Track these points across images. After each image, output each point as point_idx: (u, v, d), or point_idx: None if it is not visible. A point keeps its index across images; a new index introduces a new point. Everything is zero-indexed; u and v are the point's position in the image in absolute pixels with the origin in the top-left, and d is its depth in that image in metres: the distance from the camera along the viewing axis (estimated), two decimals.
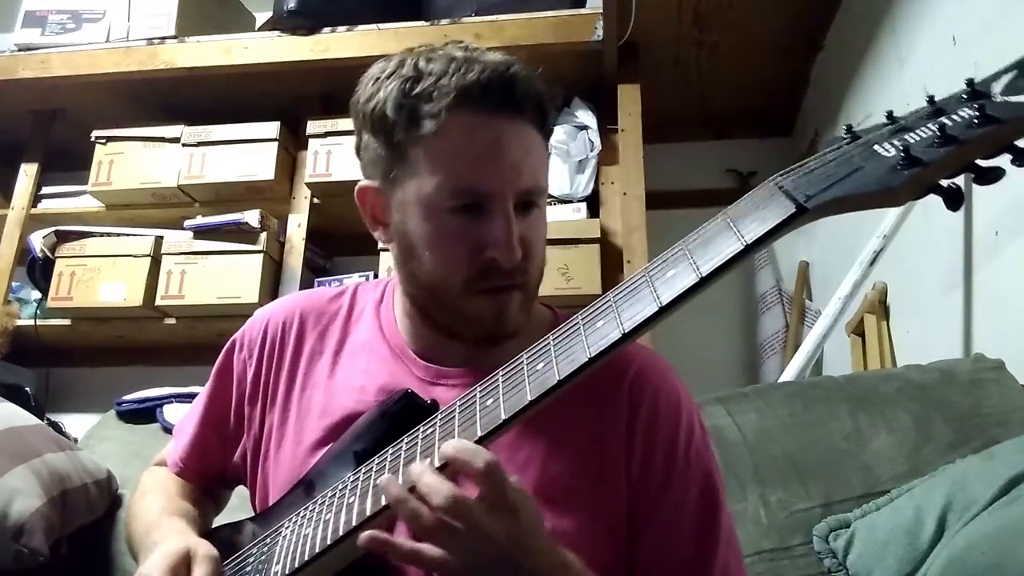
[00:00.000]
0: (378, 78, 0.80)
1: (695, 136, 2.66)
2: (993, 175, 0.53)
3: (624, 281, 0.64)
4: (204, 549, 0.77)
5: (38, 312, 2.29)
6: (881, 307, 1.78)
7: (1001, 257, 1.32)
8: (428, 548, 0.64)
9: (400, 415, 0.78)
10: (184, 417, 1.01)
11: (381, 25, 2.20)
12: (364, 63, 0.84)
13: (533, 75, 0.79)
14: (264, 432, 0.91)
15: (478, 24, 2.16)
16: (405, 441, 0.71)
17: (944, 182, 0.54)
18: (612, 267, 1.99)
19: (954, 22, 1.49)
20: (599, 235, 2.00)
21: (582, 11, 2.21)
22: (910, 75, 1.69)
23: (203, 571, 0.75)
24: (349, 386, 0.87)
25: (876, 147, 0.56)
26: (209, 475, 0.97)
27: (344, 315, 0.93)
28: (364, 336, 0.90)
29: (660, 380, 0.84)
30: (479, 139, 0.76)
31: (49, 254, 2.25)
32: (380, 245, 2.06)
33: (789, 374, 1.75)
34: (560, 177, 2.09)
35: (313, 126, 2.21)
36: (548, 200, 2.37)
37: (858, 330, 1.86)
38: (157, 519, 0.86)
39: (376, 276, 2.14)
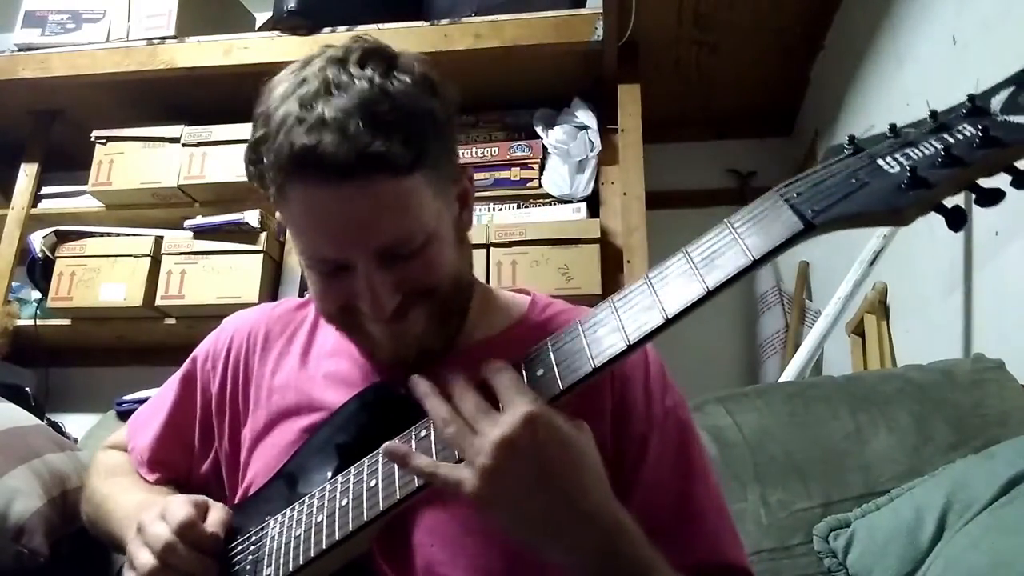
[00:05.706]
0: (267, 111, 0.72)
1: (695, 136, 2.66)
2: (993, 197, 0.53)
3: (625, 289, 0.64)
4: (215, 502, 0.80)
5: (38, 312, 2.29)
6: (881, 307, 1.78)
7: (1001, 257, 1.32)
8: (452, 467, 0.61)
9: (378, 406, 0.79)
10: (145, 416, 0.99)
11: (381, 25, 2.19)
12: None
13: (379, 123, 0.67)
14: (239, 443, 0.91)
15: (478, 24, 2.16)
16: (398, 442, 0.71)
17: (947, 202, 0.54)
18: (612, 267, 1.99)
19: (954, 22, 1.49)
20: (599, 235, 2.00)
21: (582, 11, 2.20)
22: (910, 75, 1.69)
23: (219, 513, 0.78)
24: (321, 386, 0.87)
25: (880, 161, 0.56)
26: (169, 484, 0.97)
27: (310, 323, 0.94)
28: (330, 342, 0.90)
29: None
30: (315, 210, 0.70)
31: (49, 254, 2.24)
32: None
33: (789, 374, 1.75)
34: (560, 177, 2.10)
35: None
36: (548, 200, 2.33)
37: (858, 330, 1.85)
38: (148, 497, 0.88)
39: None
